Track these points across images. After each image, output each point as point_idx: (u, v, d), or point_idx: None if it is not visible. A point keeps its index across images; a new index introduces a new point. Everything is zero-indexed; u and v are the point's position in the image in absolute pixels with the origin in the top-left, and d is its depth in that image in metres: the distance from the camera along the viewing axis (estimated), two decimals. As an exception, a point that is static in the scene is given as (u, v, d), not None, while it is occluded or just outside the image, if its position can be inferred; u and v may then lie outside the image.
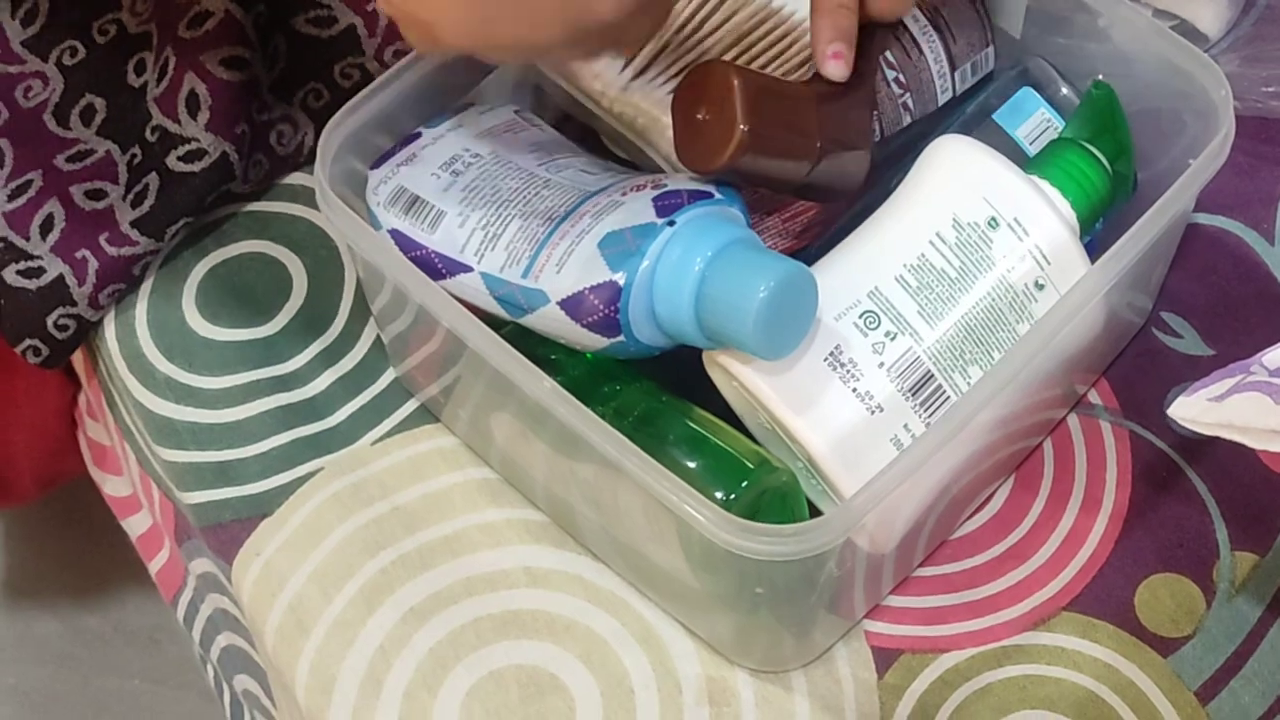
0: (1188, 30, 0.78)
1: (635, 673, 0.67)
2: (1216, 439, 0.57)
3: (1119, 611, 0.68)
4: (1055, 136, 0.71)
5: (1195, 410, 0.58)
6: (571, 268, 0.61)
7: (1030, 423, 0.71)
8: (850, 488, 0.60)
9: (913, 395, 0.61)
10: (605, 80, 0.69)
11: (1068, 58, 0.72)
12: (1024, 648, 0.67)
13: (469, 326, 0.62)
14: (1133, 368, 0.74)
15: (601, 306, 0.60)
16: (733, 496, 0.61)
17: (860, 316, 0.61)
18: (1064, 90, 0.72)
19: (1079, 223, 0.64)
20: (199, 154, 0.75)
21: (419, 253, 0.64)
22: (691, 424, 0.64)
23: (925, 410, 0.61)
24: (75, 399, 0.88)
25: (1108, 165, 0.66)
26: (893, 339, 0.61)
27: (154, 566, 0.84)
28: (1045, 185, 0.64)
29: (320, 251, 0.78)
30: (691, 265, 0.59)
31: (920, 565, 0.69)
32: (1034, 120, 0.71)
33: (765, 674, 0.67)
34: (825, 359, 0.60)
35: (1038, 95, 0.72)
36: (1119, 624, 0.68)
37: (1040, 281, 0.62)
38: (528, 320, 0.62)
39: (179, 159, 0.75)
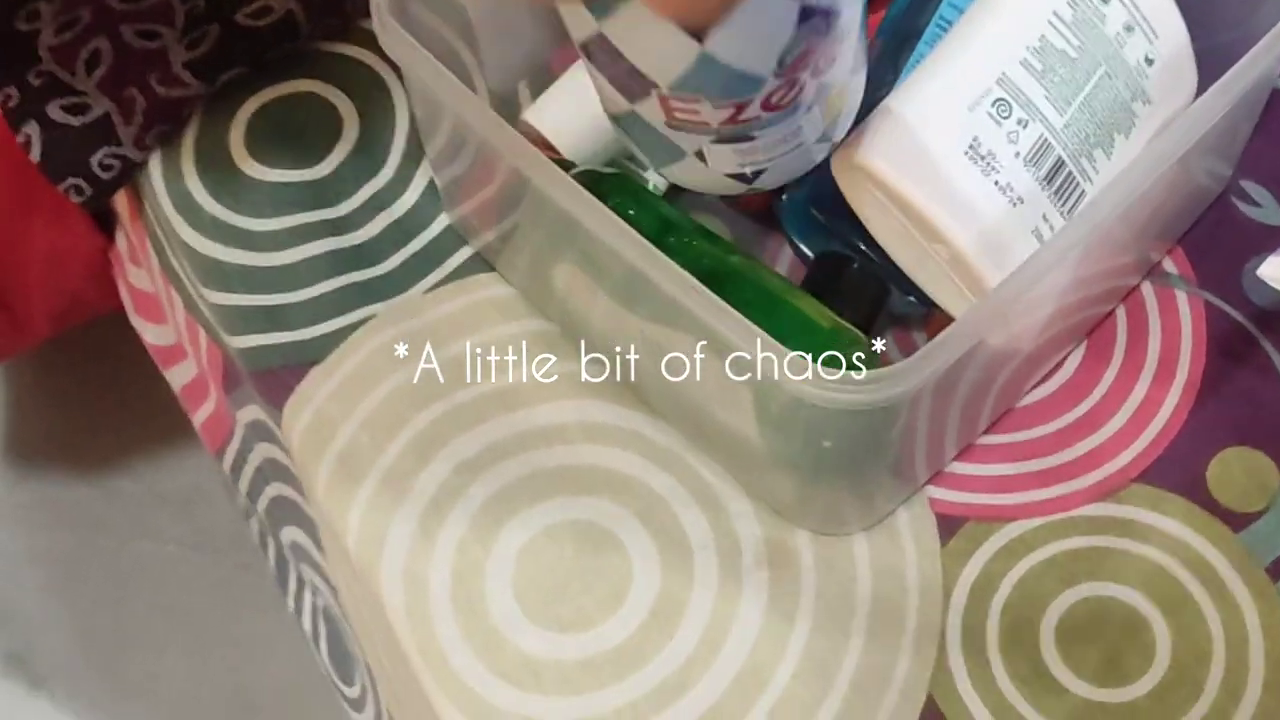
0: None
1: (694, 532, 0.65)
2: (1295, 310, 0.56)
3: (1191, 485, 0.66)
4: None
5: (1288, 270, 0.56)
6: None
7: (1102, 289, 0.68)
8: (996, 282, 0.59)
9: (1048, 184, 0.60)
10: None
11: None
12: (1093, 519, 0.66)
13: (534, 163, 0.59)
14: (1209, 237, 0.72)
15: None
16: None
17: (993, 105, 0.59)
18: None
19: None
20: (266, 10, 0.74)
21: None
22: (764, 284, 0.62)
23: (1060, 200, 0.60)
24: (103, 245, 0.86)
25: None
26: (1025, 126, 0.59)
27: (199, 418, 0.83)
28: None
29: (373, 93, 0.77)
30: None
31: (986, 432, 0.68)
32: None
33: (826, 537, 0.65)
34: (965, 152, 0.59)
35: None
36: (1190, 497, 0.66)
37: (1150, 56, 0.61)
38: None
39: (247, 16, 0.74)
